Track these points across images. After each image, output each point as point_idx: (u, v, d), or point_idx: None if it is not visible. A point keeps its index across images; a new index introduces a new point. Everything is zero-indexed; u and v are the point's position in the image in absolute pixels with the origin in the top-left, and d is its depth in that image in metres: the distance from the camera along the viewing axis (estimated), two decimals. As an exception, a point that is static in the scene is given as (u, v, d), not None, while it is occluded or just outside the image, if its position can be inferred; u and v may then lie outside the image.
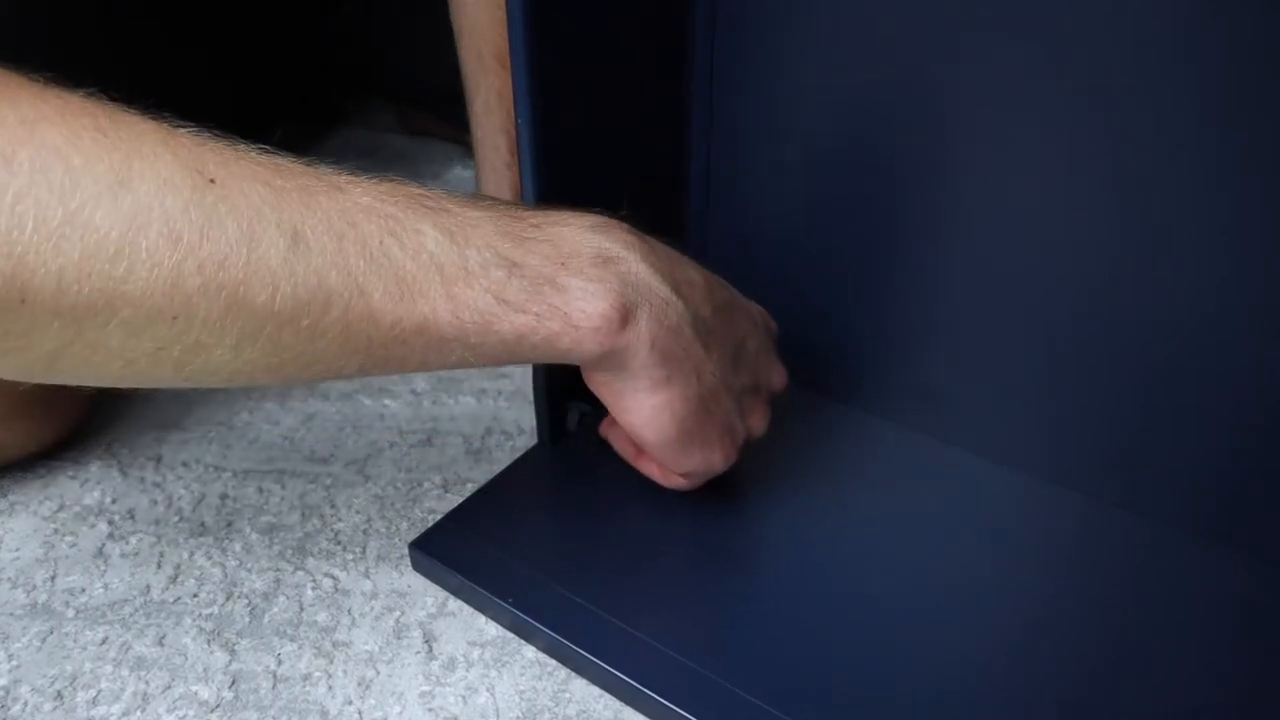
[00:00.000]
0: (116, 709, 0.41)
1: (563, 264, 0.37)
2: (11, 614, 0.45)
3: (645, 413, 0.40)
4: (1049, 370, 0.46)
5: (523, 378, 0.60)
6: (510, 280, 0.36)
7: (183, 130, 0.32)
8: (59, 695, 0.42)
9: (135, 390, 0.58)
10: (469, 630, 0.44)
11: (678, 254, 0.41)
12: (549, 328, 0.36)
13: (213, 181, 0.31)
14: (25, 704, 0.41)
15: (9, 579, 0.47)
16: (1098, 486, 0.47)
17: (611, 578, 0.44)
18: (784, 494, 0.49)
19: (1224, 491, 0.44)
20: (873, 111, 0.46)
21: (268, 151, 0.35)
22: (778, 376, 0.46)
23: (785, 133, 0.49)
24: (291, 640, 0.44)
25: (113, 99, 0.33)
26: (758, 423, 0.44)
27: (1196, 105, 0.38)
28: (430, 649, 0.44)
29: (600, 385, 0.40)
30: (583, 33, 0.43)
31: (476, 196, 0.38)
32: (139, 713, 0.41)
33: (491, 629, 0.44)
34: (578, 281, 0.37)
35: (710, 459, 0.42)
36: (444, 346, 0.36)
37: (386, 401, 0.58)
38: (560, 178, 0.45)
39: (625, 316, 0.37)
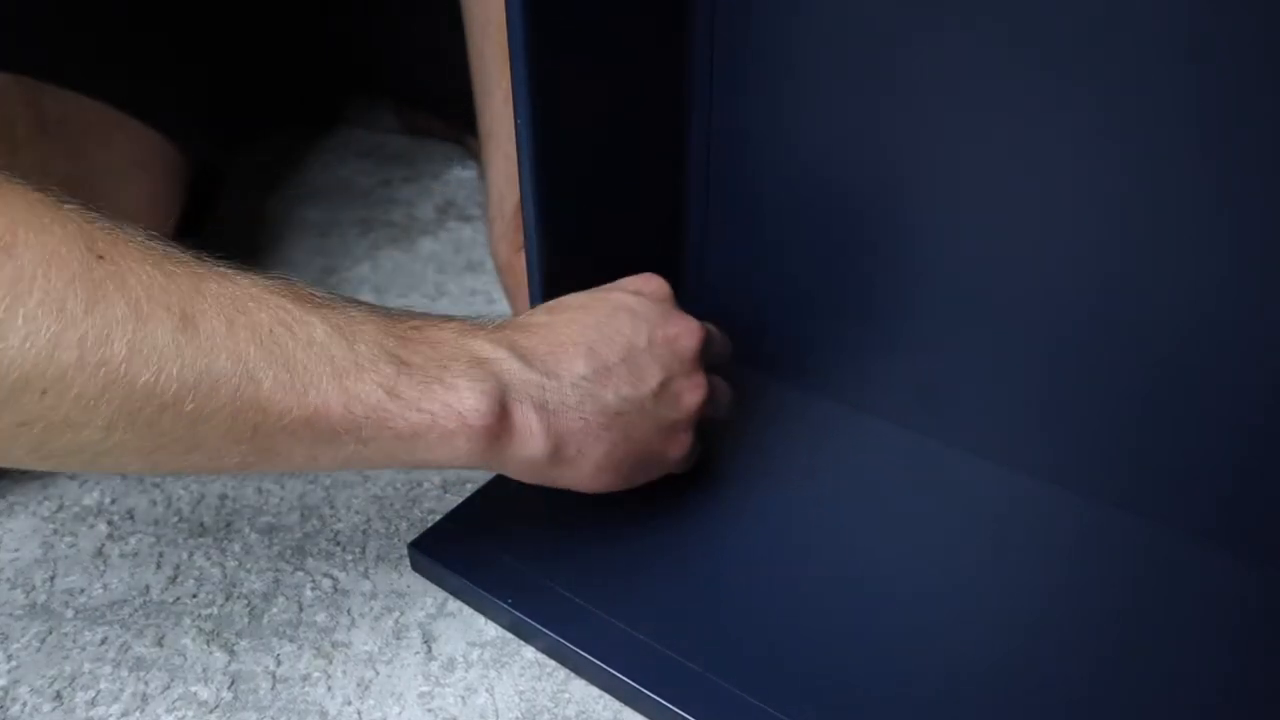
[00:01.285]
0: (116, 709, 0.41)
1: (445, 365, 0.37)
2: (11, 614, 0.45)
3: (585, 484, 0.41)
4: (1049, 371, 0.46)
5: (522, 378, 0.60)
6: (400, 376, 0.36)
7: (70, 205, 0.32)
8: (58, 696, 0.42)
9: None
10: (468, 631, 0.44)
11: (554, 324, 0.41)
12: (444, 426, 0.36)
13: (101, 258, 0.31)
14: (24, 704, 0.41)
15: (8, 579, 0.47)
16: (1097, 487, 0.47)
17: (611, 578, 0.44)
18: (784, 494, 0.49)
19: (1224, 493, 0.44)
20: (874, 111, 0.46)
21: (154, 237, 0.34)
22: (696, 397, 0.44)
23: (785, 132, 0.49)
24: (291, 641, 0.44)
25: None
26: (679, 450, 0.44)
27: (1195, 105, 0.38)
28: (429, 649, 0.44)
29: (535, 481, 0.41)
30: (582, 32, 0.43)
31: (350, 300, 0.38)
32: (138, 713, 0.41)
33: (491, 629, 0.44)
34: (464, 381, 0.37)
35: (660, 470, 0.44)
36: (335, 441, 0.35)
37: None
38: (560, 177, 0.45)
39: (504, 412, 0.38)
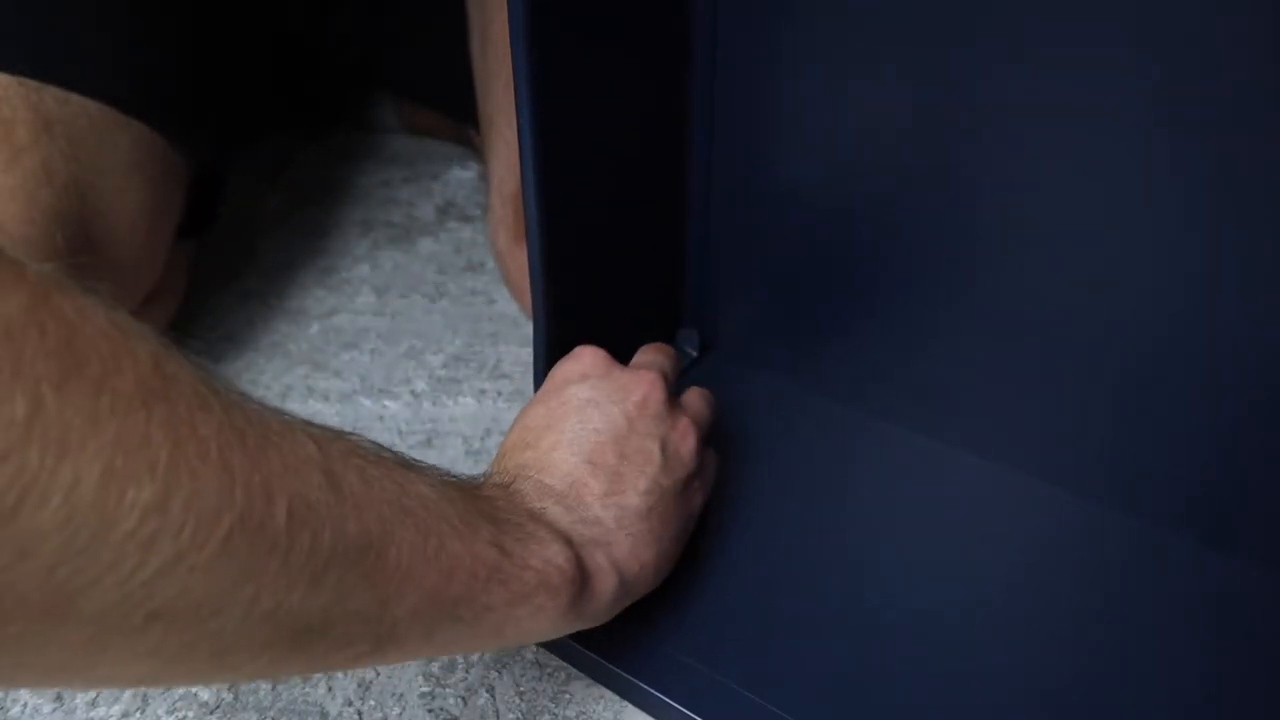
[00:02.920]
0: (116, 710, 0.41)
1: (519, 522, 0.35)
2: (11, 615, 0.45)
3: (652, 587, 0.41)
4: (1049, 371, 0.46)
5: (523, 378, 0.60)
6: (502, 535, 0.34)
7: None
8: (58, 696, 0.42)
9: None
10: (469, 631, 0.44)
11: (545, 459, 0.39)
12: (550, 582, 0.34)
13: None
14: (25, 705, 0.41)
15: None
16: (1096, 488, 0.47)
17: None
18: (784, 494, 0.49)
19: (1223, 494, 0.44)
20: (875, 112, 0.46)
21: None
22: (690, 440, 0.43)
23: (787, 133, 0.49)
24: (291, 641, 0.44)
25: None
26: (702, 495, 0.44)
27: (1192, 105, 0.38)
28: (430, 650, 0.44)
29: (609, 618, 0.39)
30: (584, 31, 0.43)
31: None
32: (138, 714, 0.41)
33: (491, 630, 0.44)
34: (542, 533, 0.35)
35: (695, 521, 0.44)
36: (455, 612, 0.32)
37: (386, 403, 0.58)
38: (561, 177, 0.45)
39: (581, 562, 0.36)
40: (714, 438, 0.47)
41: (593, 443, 0.40)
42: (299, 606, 0.27)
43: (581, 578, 0.36)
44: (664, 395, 0.42)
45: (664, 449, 0.41)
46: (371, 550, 0.29)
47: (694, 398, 0.46)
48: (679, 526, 0.42)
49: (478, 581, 0.32)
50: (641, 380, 0.42)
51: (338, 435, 0.30)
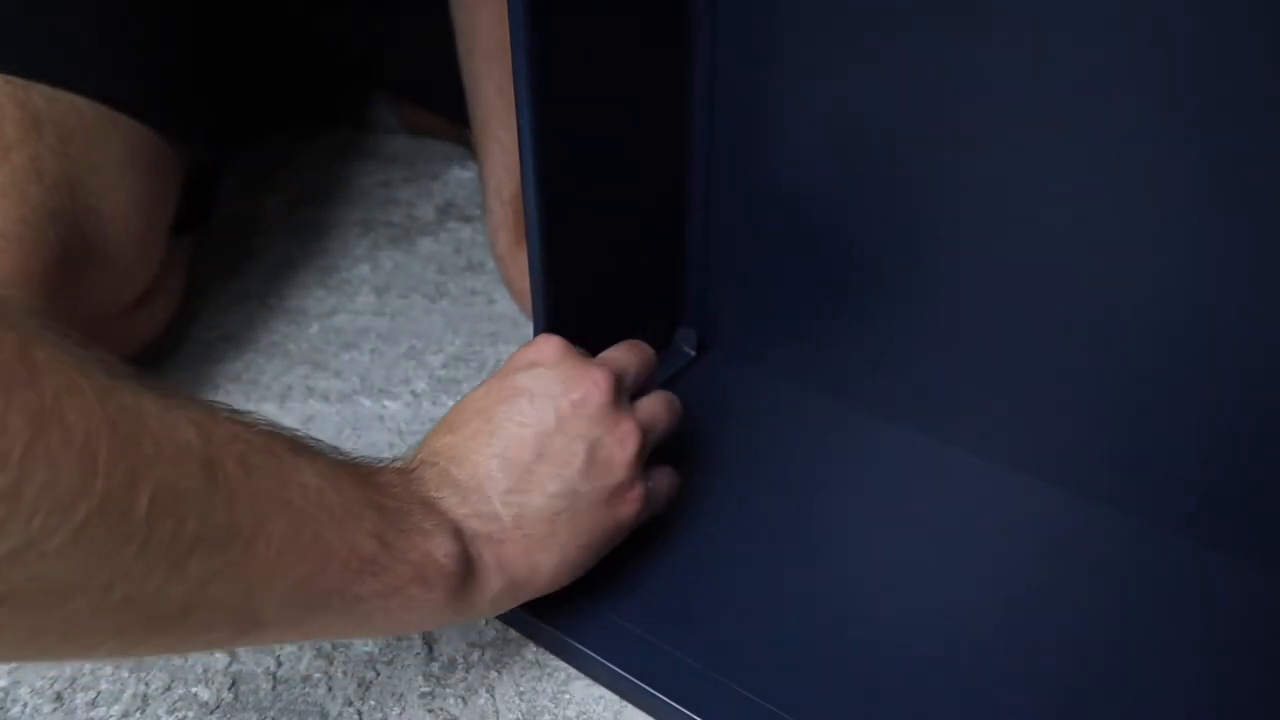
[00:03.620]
0: (116, 710, 0.41)
1: (408, 512, 0.35)
2: (11, 615, 0.45)
3: (549, 589, 0.40)
4: (1049, 371, 0.46)
5: (523, 378, 0.60)
6: (385, 526, 0.34)
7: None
8: (58, 696, 0.42)
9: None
10: (468, 631, 0.44)
11: (461, 444, 0.39)
12: (426, 575, 0.35)
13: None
14: (25, 705, 0.41)
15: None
16: (1096, 488, 0.47)
17: (611, 575, 0.44)
18: (783, 493, 0.49)
19: (1224, 494, 0.44)
20: (875, 111, 0.46)
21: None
22: (628, 449, 0.41)
23: (786, 132, 0.49)
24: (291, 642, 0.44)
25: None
26: (632, 507, 0.42)
27: (1192, 107, 0.38)
28: (430, 650, 0.44)
29: (501, 612, 0.40)
30: (583, 32, 0.43)
31: (309, 437, 0.35)
32: (138, 714, 0.41)
33: (491, 630, 0.44)
34: (430, 524, 0.35)
35: (622, 535, 0.42)
36: (326, 602, 0.32)
37: (386, 403, 0.58)
38: (561, 179, 0.44)
39: (469, 558, 0.36)
40: (681, 447, 0.46)
41: (513, 435, 0.39)
42: (157, 593, 0.27)
43: (464, 573, 0.36)
44: (608, 396, 0.40)
45: (592, 452, 0.40)
46: (239, 540, 0.29)
47: (653, 403, 0.44)
48: (593, 536, 0.40)
49: (350, 573, 0.32)
50: (586, 377, 0.41)
51: (230, 420, 0.31)
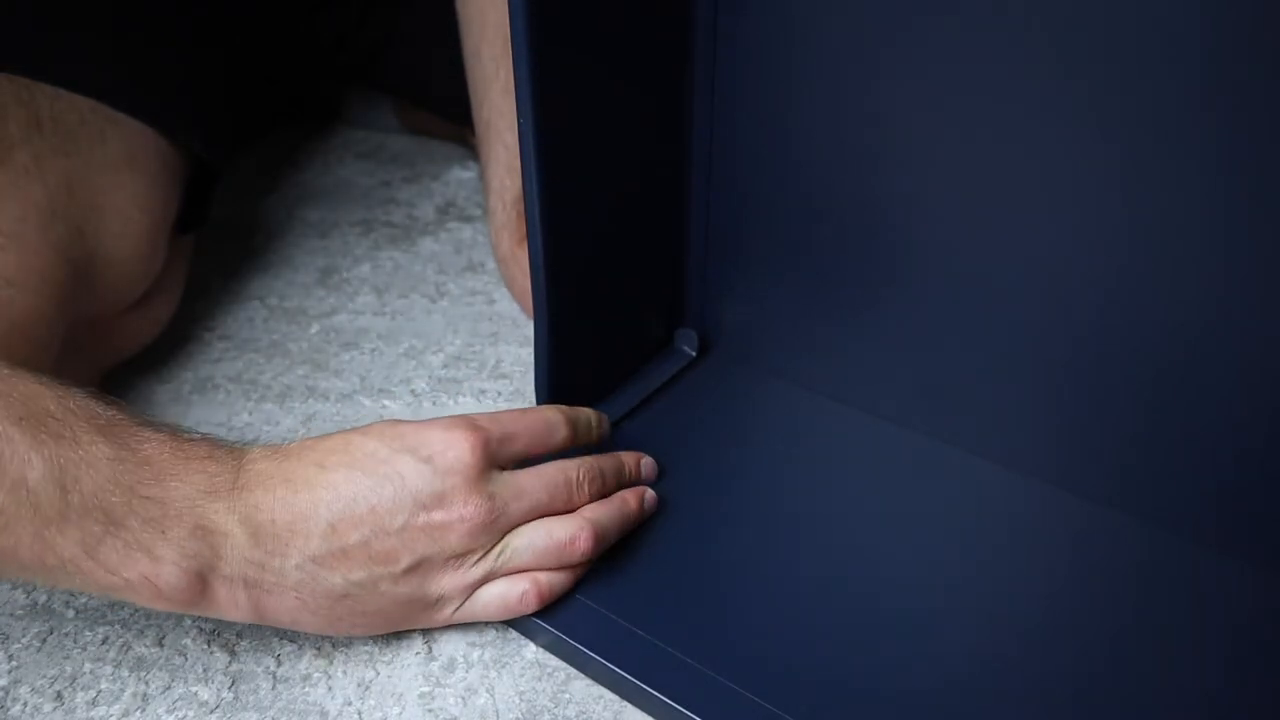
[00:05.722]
0: (116, 709, 0.41)
1: (162, 532, 0.37)
2: (11, 614, 0.45)
3: (310, 631, 0.41)
4: (1049, 372, 0.46)
5: (523, 378, 0.60)
6: (106, 538, 0.36)
7: None
8: (59, 696, 0.42)
9: (133, 391, 0.58)
10: (468, 631, 0.44)
11: (310, 487, 0.38)
12: (139, 591, 0.37)
13: None
14: (25, 704, 0.41)
15: (9, 579, 0.47)
16: (1097, 489, 0.47)
17: (611, 575, 0.44)
18: (783, 493, 0.49)
19: (1223, 495, 0.44)
20: (875, 110, 0.46)
21: None
22: (454, 581, 0.41)
23: (786, 132, 0.49)
24: (291, 641, 0.44)
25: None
26: (444, 616, 0.42)
27: (1198, 109, 0.38)
28: (430, 650, 0.44)
29: None
30: (584, 34, 0.43)
31: (118, 419, 0.38)
32: (139, 713, 0.41)
33: (491, 630, 0.44)
34: (171, 554, 0.37)
35: (421, 624, 0.42)
36: (32, 577, 0.37)
37: (386, 402, 0.58)
38: (563, 180, 0.45)
39: (205, 586, 0.38)
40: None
41: (352, 514, 0.38)
42: None
43: (190, 599, 0.37)
44: (466, 540, 0.39)
45: (416, 567, 0.39)
46: None
47: (530, 537, 0.41)
48: (379, 623, 0.41)
49: (47, 565, 0.36)
50: (461, 508, 0.39)
51: (13, 390, 0.35)
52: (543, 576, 0.42)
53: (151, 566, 0.36)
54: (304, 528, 0.38)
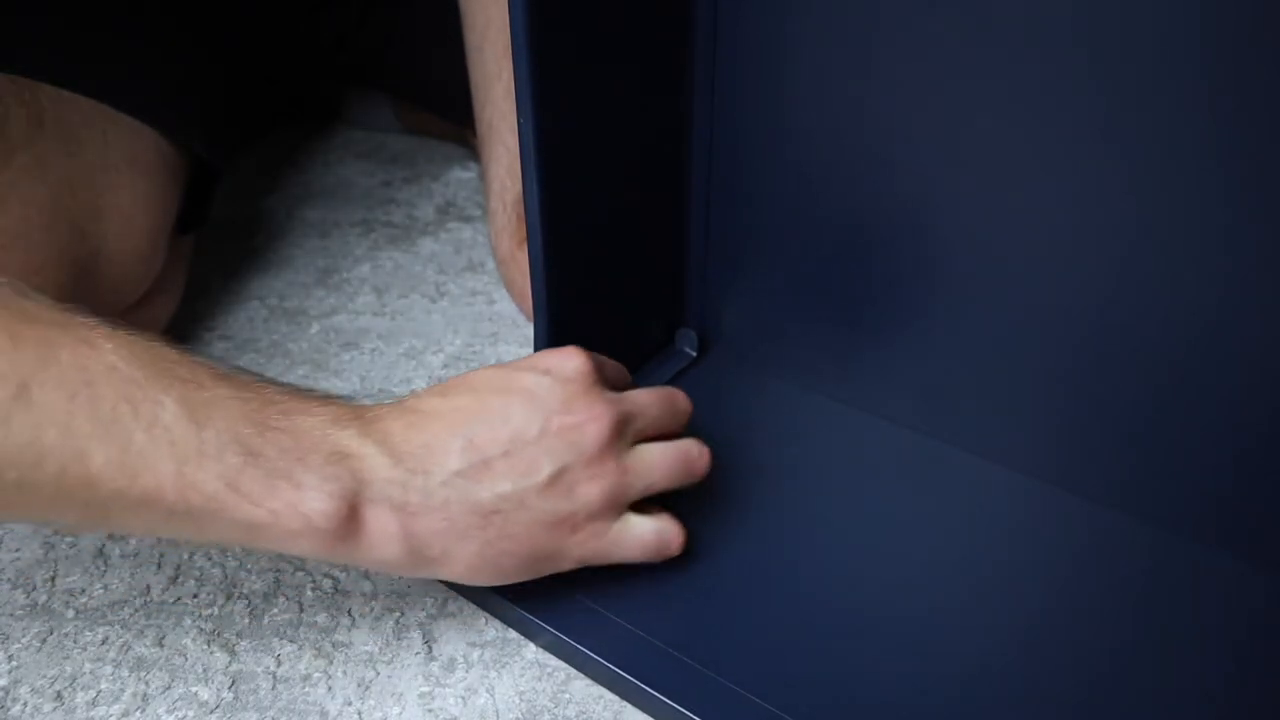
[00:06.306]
0: (116, 709, 0.41)
1: (300, 459, 0.36)
2: (11, 614, 0.45)
3: (461, 579, 0.40)
4: (1050, 372, 0.46)
5: (523, 378, 0.60)
6: (246, 469, 0.35)
7: None
8: (59, 696, 0.42)
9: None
10: (468, 631, 0.44)
11: (439, 412, 0.39)
12: (286, 525, 0.36)
13: None
14: (25, 704, 0.41)
15: (9, 579, 0.47)
16: (1098, 489, 0.47)
17: (612, 576, 0.44)
18: (783, 493, 0.49)
19: (1224, 495, 0.44)
20: (875, 110, 0.46)
21: (22, 294, 0.35)
22: (596, 488, 0.40)
23: (787, 133, 0.49)
24: (291, 641, 0.44)
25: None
26: (581, 544, 0.40)
27: (1200, 108, 0.38)
28: (430, 650, 0.44)
29: (404, 575, 0.40)
30: (585, 34, 0.43)
31: (234, 371, 0.38)
32: (139, 713, 0.41)
33: (491, 630, 0.44)
34: (314, 479, 0.36)
35: (560, 565, 0.41)
36: (171, 521, 0.36)
37: (386, 403, 0.58)
38: (563, 181, 0.45)
39: (354, 514, 0.37)
40: (676, 505, 0.44)
41: (489, 427, 0.39)
42: None
43: (341, 531, 0.36)
44: (603, 434, 0.39)
45: (558, 475, 0.39)
46: (49, 461, 0.33)
47: (659, 454, 0.42)
48: (527, 551, 0.39)
49: (189, 504, 0.35)
50: (593, 409, 0.40)
51: (129, 348, 0.35)
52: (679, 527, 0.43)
53: (295, 494, 0.36)
54: (441, 445, 0.38)
